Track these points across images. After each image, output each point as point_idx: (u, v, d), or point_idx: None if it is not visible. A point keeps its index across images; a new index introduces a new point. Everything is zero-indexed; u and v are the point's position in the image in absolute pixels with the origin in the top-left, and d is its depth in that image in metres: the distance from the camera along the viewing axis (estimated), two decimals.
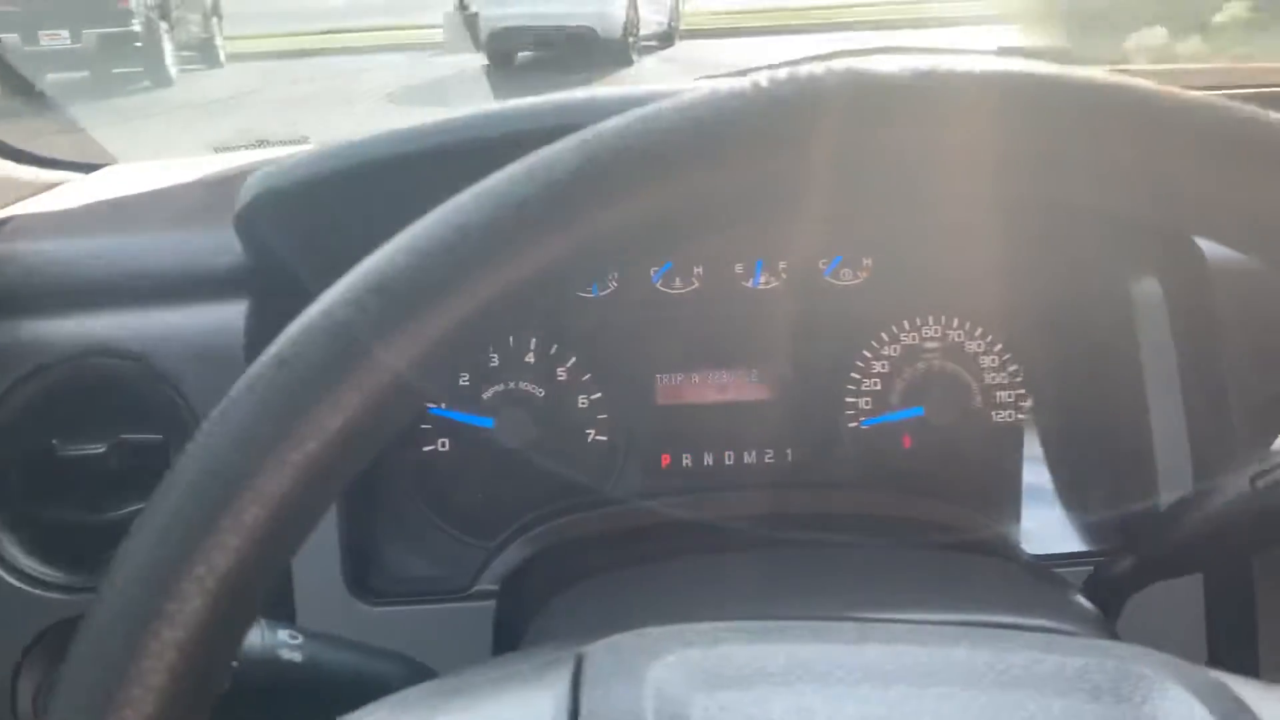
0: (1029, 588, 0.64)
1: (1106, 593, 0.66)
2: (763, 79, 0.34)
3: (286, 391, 0.33)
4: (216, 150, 1.07)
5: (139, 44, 10.53)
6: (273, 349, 0.33)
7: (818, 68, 0.35)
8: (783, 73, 0.35)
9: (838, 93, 0.34)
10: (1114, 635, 0.61)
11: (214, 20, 12.17)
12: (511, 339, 0.84)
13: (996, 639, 0.43)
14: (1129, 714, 0.39)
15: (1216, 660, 0.72)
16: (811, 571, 0.66)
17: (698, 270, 0.86)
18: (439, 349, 0.34)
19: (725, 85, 0.34)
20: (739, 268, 0.86)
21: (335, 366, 0.33)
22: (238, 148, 1.06)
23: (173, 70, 10.91)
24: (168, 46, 10.89)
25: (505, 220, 0.33)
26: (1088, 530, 0.81)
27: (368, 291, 0.34)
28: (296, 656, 0.51)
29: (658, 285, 0.86)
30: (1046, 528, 0.84)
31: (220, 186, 0.78)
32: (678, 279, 0.86)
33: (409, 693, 0.42)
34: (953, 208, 0.72)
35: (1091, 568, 0.67)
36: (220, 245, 0.74)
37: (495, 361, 0.84)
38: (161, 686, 0.32)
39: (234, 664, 0.49)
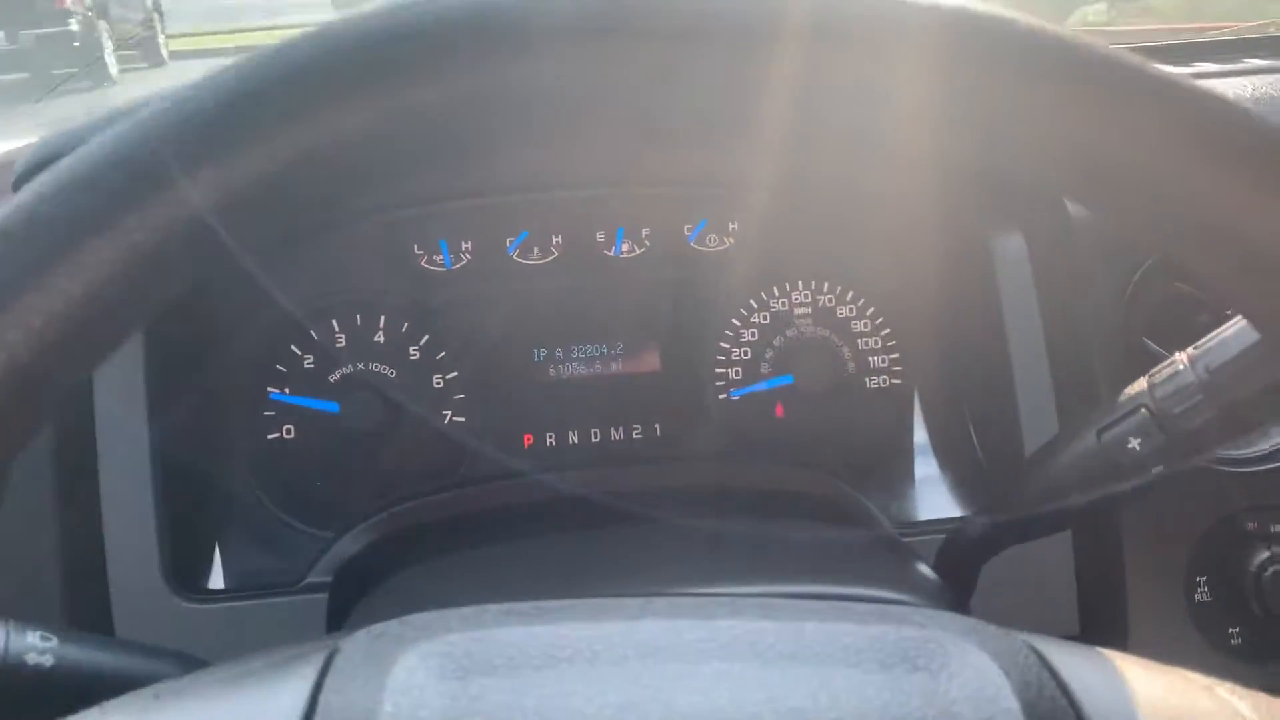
0: (867, 558, 0.61)
1: (960, 559, 0.63)
2: None
3: None
4: None
5: (77, 44, 10.29)
6: None
7: None
8: None
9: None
10: (955, 603, 0.58)
11: (155, 18, 11.92)
12: (359, 317, 0.80)
13: (791, 610, 0.40)
14: (922, 683, 0.36)
15: (1088, 625, 0.70)
16: (652, 548, 0.62)
17: (556, 239, 0.82)
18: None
19: None
20: (600, 235, 0.82)
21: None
22: None
23: (114, 70, 10.67)
24: (108, 45, 10.64)
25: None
26: (960, 493, 0.78)
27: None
28: (47, 660, 0.46)
29: (514, 256, 0.82)
30: (939, 493, 0.81)
31: None
32: (535, 249, 0.82)
33: (142, 692, 0.38)
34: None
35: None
36: None
37: (342, 342, 0.80)
38: None
39: None
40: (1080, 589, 0.69)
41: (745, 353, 0.83)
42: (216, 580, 0.77)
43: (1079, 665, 0.38)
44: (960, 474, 0.79)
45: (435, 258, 0.81)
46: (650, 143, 0.75)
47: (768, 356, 0.83)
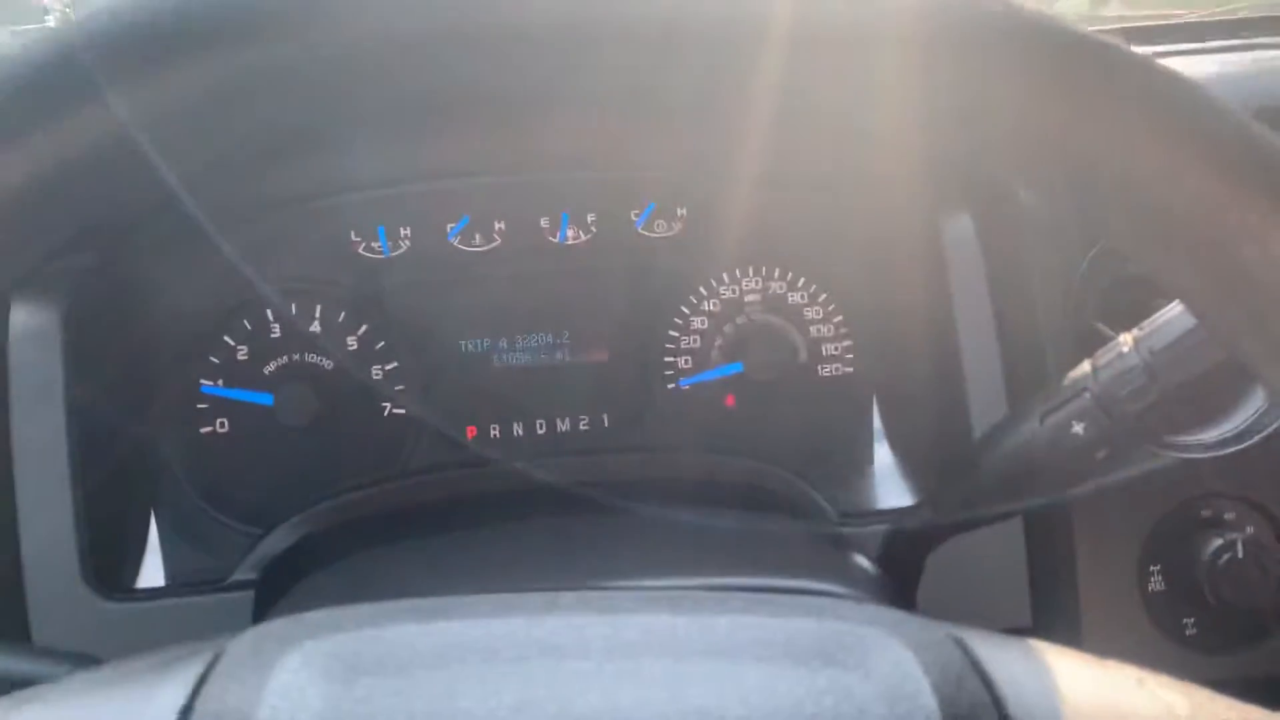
0: (800, 549, 0.59)
1: (903, 549, 0.61)
2: None
3: None
4: None
5: None
6: None
7: None
8: None
9: None
10: (894, 594, 0.56)
11: None
12: (294, 306, 0.77)
13: (705, 604, 0.38)
14: (835, 678, 0.34)
15: (1040, 616, 0.68)
16: (586, 540, 0.60)
17: (499, 225, 0.79)
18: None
19: None
20: (544, 222, 0.80)
21: None
22: None
23: None
24: None
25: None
26: (913, 481, 0.76)
27: None
28: None
29: (454, 243, 0.79)
30: (895, 482, 0.79)
31: None
32: (477, 235, 0.79)
33: (14, 695, 0.36)
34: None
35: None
36: None
37: (276, 332, 0.77)
38: None
39: None
40: (1032, 579, 0.67)
41: (694, 341, 0.81)
42: (157, 578, 0.74)
43: (1006, 659, 0.36)
44: (913, 462, 0.77)
45: (373, 244, 0.78)
46: (593, 127, 0.73)
47: (717, 345, 0.81)
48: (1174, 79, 0.32)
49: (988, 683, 0.34)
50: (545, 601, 0.38)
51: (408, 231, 0.78)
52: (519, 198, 0.79)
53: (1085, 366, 0.55)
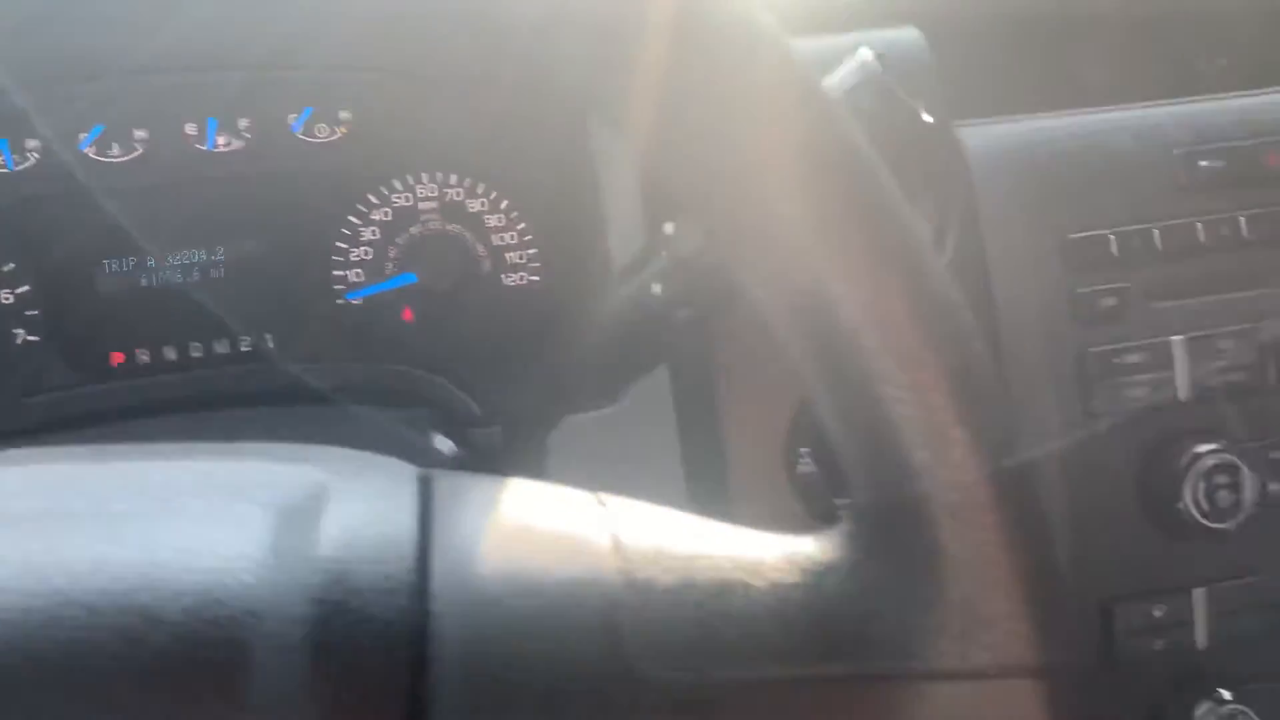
0: (360, 433, 0.55)
1: (523, 432, 0.58)
2: None
3: None
4: None
5: None
6: None
7: None
8: None
9: None
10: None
11: None
12: None
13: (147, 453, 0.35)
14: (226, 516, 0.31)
15: (695, 501, 0.66)
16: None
17: (140, 134, 0.73)
18: None
19: None
20: (190, 128, 0.74)
21: None
22: None
23: None
24: None
25: None
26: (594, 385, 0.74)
27: None
28: None
29: (88, 153, 0.73)
30: None
31: None
32: (115, 145, 0.73)
33: None
34: None
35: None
36: None
37: None
38: None
39: None
40: (684, 460, 0.66)
41: (366, 253, 0.77)
42: None
43: (466, 495, 0.34)
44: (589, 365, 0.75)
45: None
46: (237, 22, 0.68)
47: (391, 256, 0.77)
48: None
49: (424, 520, 0.31)
50: None
51: (35, 143, 0.72)
52: (159, 102, 0.73)
53: (669, 226, 0.53)
